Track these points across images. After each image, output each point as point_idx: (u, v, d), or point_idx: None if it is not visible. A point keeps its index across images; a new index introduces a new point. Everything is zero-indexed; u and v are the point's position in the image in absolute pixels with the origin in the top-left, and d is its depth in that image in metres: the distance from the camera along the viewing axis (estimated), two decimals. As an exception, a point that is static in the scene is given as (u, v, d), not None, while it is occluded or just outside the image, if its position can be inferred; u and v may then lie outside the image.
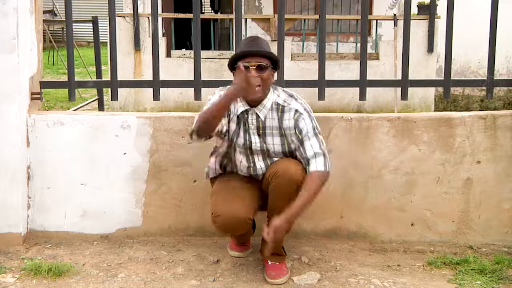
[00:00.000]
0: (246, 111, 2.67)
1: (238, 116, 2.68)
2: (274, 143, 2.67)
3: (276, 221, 2.44)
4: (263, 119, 2.66)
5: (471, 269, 2.83)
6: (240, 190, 2.66)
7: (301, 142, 2.62)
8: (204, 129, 2.53)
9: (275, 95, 2.69)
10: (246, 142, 2.69)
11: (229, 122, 2.68)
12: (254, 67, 2.55)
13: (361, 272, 2.81)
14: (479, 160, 3.16)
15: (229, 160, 2.79)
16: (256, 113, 2.66)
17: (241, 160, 2.74)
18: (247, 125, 2.68)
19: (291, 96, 2.71)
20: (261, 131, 2.68)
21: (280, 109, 2.67)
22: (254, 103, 2.65)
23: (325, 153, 2.61)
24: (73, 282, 2.69)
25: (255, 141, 2.68)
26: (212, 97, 2.68)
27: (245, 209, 2.57)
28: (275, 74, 3.14)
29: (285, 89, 2.78)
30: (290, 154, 2.69)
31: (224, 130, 2.65)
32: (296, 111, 2.65)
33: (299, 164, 2.62)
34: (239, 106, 2.67)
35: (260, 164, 2.72)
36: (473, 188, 3.17)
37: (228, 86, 2.60)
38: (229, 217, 2.54)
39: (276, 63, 2.63)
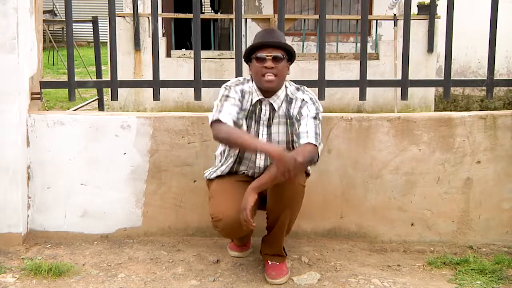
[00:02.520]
0: (260, 101, 2.71)
1: (250, 108, 2.71)
2: (280, 131, 2.72)
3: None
4: (276, 109, 2.71)
5: (471, 269, 2.83)
6: (239, 192, 2.63)
7: (299, 121, 2.67)
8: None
9: (287, 87, 2.75)
10: (253, 133, 2.71)
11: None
12: (270, 58, 2.61)
13: (361, 272, 2.81)
14: (479, 160, 3.16)
15: (234, 158, 2.77)
16: (270, 103, 2.70)
17: (244, 152, 2.73)
18: (258, 116, 2.71)
19: (298, 89, 2.77)
20: (271, 121, 2.72)
21: (288, 100, 2.73)
22: (268, 94, 2.69)
23: (318, 134, 2.62)
24: (73, 282, 2.69)
25: (263, 132, 2.72)
26: (230, 92, 2.67)
27: None
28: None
29: (292, 82, 2.84)
30: (292, 144, 2.71)
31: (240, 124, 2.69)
32: (303, 100, 2.72)
33: None
34: (254, 96, 2.71)
35: (259, 162, 2.72)
36: (473, 188, 3.17)
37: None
38: (230, 221, 2.52)
39: (291, 55, 2.69)
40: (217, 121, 2.59)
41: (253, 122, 2.72)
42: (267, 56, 2.61)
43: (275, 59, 2.61)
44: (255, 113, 2.72)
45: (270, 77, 2.61)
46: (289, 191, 2.53)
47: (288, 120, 2.71)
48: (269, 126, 2.72)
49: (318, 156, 2.63)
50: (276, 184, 2.52)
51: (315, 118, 2.67)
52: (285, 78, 2.71)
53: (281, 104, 2.71)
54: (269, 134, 2.72)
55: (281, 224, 2.62)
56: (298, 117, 2.69)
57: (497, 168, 3.17)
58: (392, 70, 8.16)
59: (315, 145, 2.59)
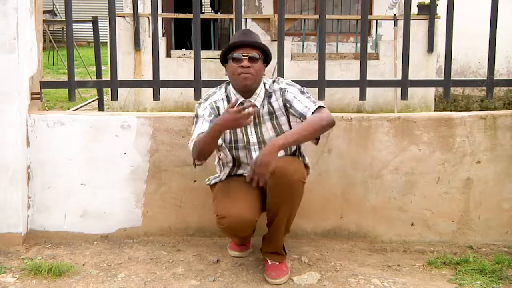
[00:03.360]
0: (241, 104, 2.71)
1: None
2: (268, 128, 2.73)
3: (266, 147, 2.46)
4: (259, 107, 2.72)
5: (471, 269, 2.83)
6: (243, 191, 2.65)
7: (292, 107, 2.68)
8: (203, 155, 2.64)
9: (265, 83, 2.77)
10: (243, 136, 2.73)
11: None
12: (246, 58, 2.62)
13: (361, 272, 2.81)
14: (479, 160, 3.16)
15: (231, 164, 2.79)
16: (252, 102, 2.71)
17: (239, 157, 2.75)
18: None
19: (274, 81, 2.79)
20: (257, 120, 2.73)
21: (267, 95, 2.75)
22: (248, 94, 2.71)
23: (314, 101, 2.65)
24: (73, 282, 2.69)
25: (251, 133, 2.73)
26: (199, 110, 2.75)
27: (250, 210, 2.56)
28: (275, 73, 3.18)
29: (268, 78, 2.84)
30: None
31: (220, 143, 2.70)
32: (280, 89, 2.73)
33: (298, 163, 2.65)
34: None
35: None
36: (473, 188, 3.17)
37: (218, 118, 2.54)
38: (235, 219, 2.53)
39: (267, 55, 2.71)
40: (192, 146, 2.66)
41: None
42: (244, 55, 2.62)
43: (251, 59, 2.62)
44: None
45: (246, 75, 2.62)
46: (287, 187, 2.53)
47: (274, 115, 2.73)
48: (255, 125, 2.73)
49: (332, 118, 2.60)
50: (275, 180, 2.52)
51: (302, 92, 2.69)
52: (261, 78, 2.72)
53: (263, 101, 2.73)
54: (257, 134, 2.73)
55: (280, 221, 2.62)
56: (288, 105, 2.70)
57: (497, 168, 3.17)
58: (392, 70, 8.17)
59: (320, 108, 2.60)
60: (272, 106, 2.73)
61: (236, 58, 2.63)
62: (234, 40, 2.69)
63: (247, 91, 2.70)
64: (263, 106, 2.73)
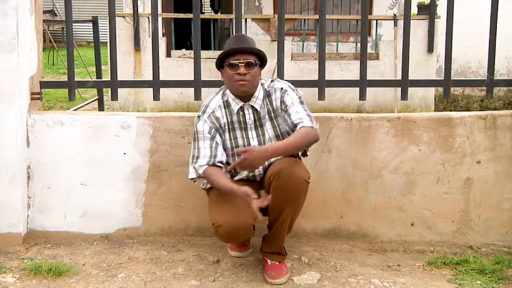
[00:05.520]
0: (241, 108, 2.73)
1: (231, 119, 2.73)
2: (267, 128, 2.74)
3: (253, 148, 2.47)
4: (259, 109, 2.73)
5: (471, 269, 2.83)
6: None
7: (287, 111, 2.69)
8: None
9: (262, 84, 2.78)
10: (244, 141, 2.73)
11: (222, 135, 2.73)
12: (243, 64, 2.62)
13: (361, 272, 2.81)
14: (479, 160, 3.16)
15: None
16: (251, 105, 2.73)
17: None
18: (244, 122, 2.74)
19: (272, 80, 2.81)
20: (258, 123, 2.74)
21: (267, 94, 2.76)
22: (246, 99, 2.72)
23: (311, 117, 2.66)
24: (73, 282, 2.69)
25: (252, 136, 2.74)
26: (198, 125, 2.71)
27: (245, 216, 2.54)
28: (275, 73, 3.19)
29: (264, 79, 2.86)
30: (283, 137, 2.73)
31: (221, 152, 2.70)
32: (281, 89, 2.75)
33: (301, 163, 2.65)
34: (234, 106, 2.73)
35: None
36: (473, 188, 3.17)
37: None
38: (231, 226, 2.52)
39: (263, 60, 2.72)
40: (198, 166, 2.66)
41: (240, 130, 2.74)
42: (240, 62, 2.62)
43: (247, 65, 2.63)
44: (239, 121, 2.73)
45: (243, 82, 2.63)
46: (292, 187, 2.52)
47: (273, 114, 2.74)
48: (256, 127, 2.74)
49: (318, 136, 2.65)
50: (280, 181, 2.52)
51: (301, 103, 2.71)
52: (258, 82, 2.73)
53: (262, 102, 2.74)
54: (258, 136, 2.74)
55: (283, 221, 2.62)
56: (283, 107, 2.71)
57: (497, 168, 3.17)
58: (392, 70, 8.16)
59: (312, 127, 2.62)
60: (272, 105, 2.74)
61: (233, 65, 2.63)
62: (229, 46, 2.68)
63: (245, 96, 2.71)
64: (263, 108, 2.74)
